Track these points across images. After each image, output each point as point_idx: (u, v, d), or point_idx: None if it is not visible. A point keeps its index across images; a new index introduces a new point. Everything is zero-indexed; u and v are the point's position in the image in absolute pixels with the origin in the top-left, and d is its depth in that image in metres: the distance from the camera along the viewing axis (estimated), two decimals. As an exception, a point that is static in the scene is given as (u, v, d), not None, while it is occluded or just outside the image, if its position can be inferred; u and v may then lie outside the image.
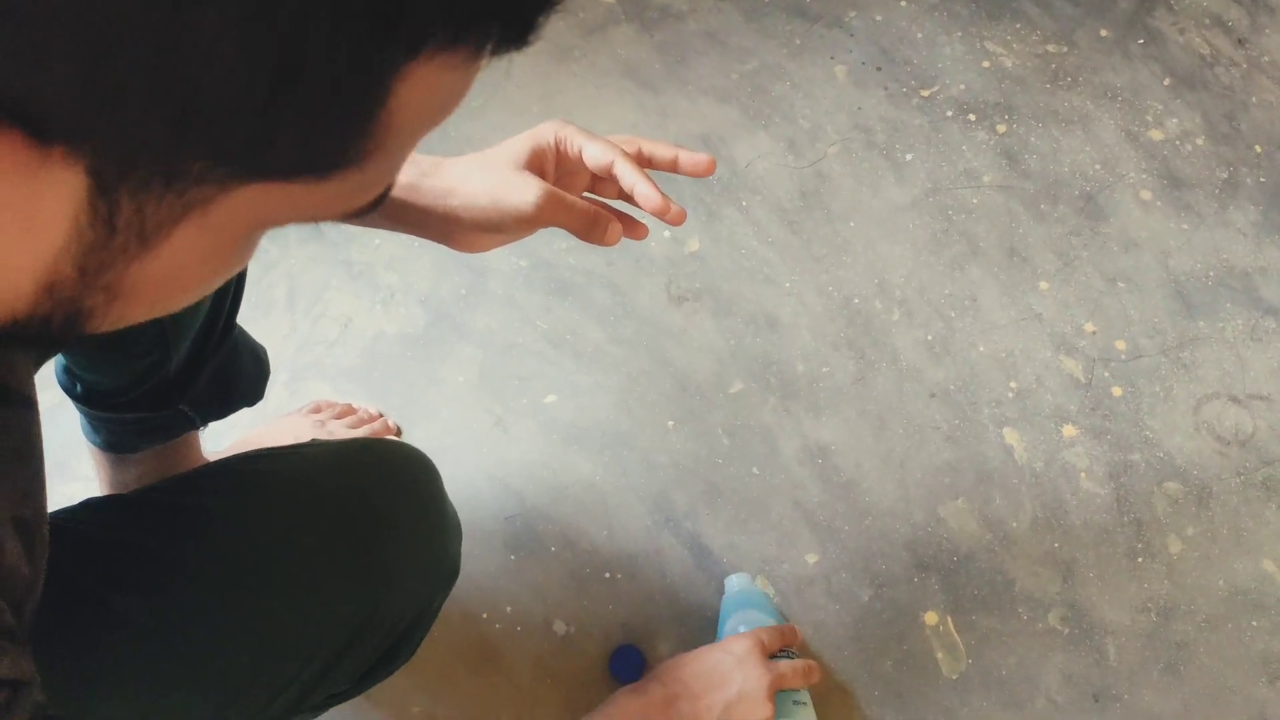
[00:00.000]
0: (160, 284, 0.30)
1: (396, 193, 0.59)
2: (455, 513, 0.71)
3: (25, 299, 0.28)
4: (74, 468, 1.06)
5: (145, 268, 0.28)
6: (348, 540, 0.61)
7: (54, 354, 0.66)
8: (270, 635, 0.59)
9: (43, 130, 0.23)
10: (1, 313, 0.28)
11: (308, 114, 0.25)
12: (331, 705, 0.69)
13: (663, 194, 0.61)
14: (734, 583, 1.00)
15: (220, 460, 0.67)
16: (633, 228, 0.66)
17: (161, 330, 0.73)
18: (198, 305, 0.74)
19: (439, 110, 0.29)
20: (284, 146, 0.26)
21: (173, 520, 0.61)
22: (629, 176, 0.61)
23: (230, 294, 0.77)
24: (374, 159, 0.28)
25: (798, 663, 0.88)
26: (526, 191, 0.59)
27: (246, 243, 0.31)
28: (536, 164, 0.61)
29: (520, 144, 0.61)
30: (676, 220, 0.62)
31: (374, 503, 0.63)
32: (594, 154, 0.61)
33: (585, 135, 0.62)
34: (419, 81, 0.27)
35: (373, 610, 0.63)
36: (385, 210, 0.59)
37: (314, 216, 0.31)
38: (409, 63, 0.26)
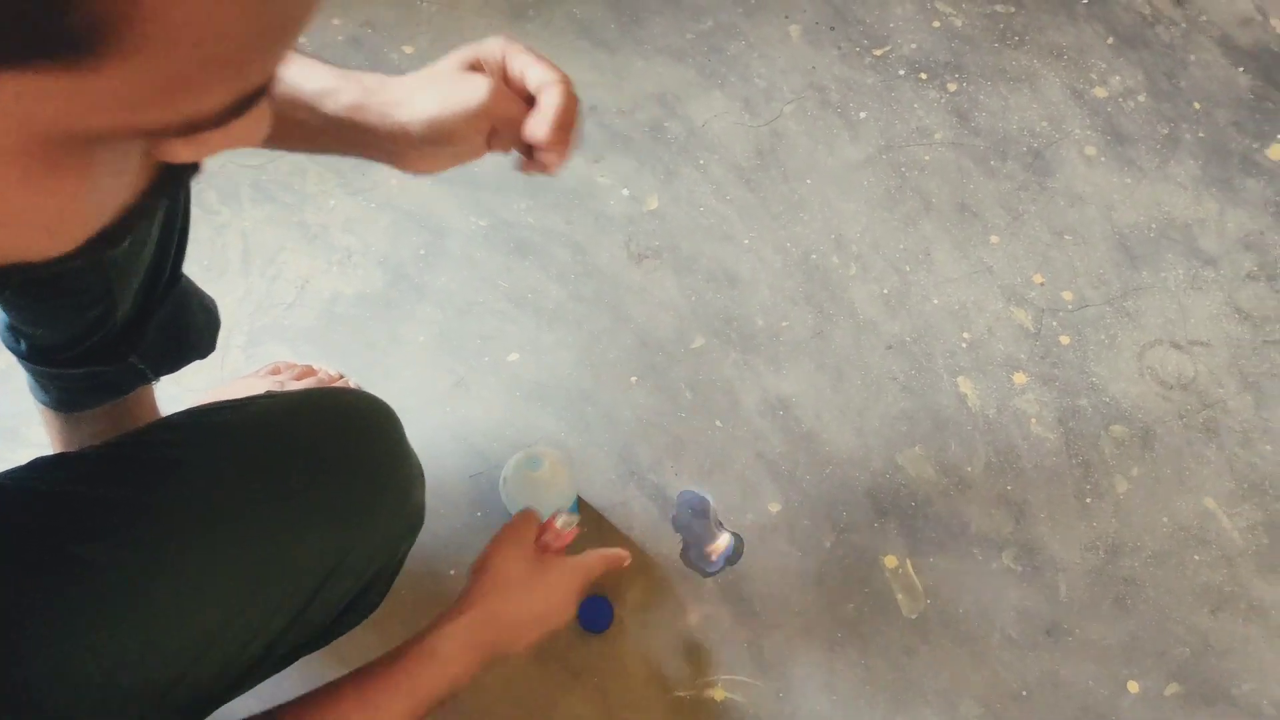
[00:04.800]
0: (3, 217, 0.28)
1: (342, 112, 0.58)
2: (418, 459, 0.71)
3: None
4: (24, 435, 1.04)
5: None
6: (314, 486, 0.61)
7: None
8: (239, 582, 0.59)
9: None
10: None
11: None
12: (300, 656, 0.69)
13: (562, 141, 0.59)
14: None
15: (180, 412, 0.66)
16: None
17: (106, 281, 0.71)
18: (140, 254, 0.72)
19: None
20: None
21: (137, 470, 0.60)
22: (551, 104, 0.58)
23: (175, 242, 0.75)
24: (137, 48, 0.24)
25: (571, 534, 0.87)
26: (475, 86, 0.57)
27: (69, 157, 0.28)
28: (480, 70, 0.60)
29: (464, 53, 0.59)
30: (544, 166, 0.60)
31: (338, 448, 0.63)
32: (538, 76, 0.59)
33: (532, 56, 0.60)
34: None
35: (341, 556, 0.63)
36: (330, 131, 0.58)
37: (124, 123, 0.27)
38: None
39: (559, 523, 0.82)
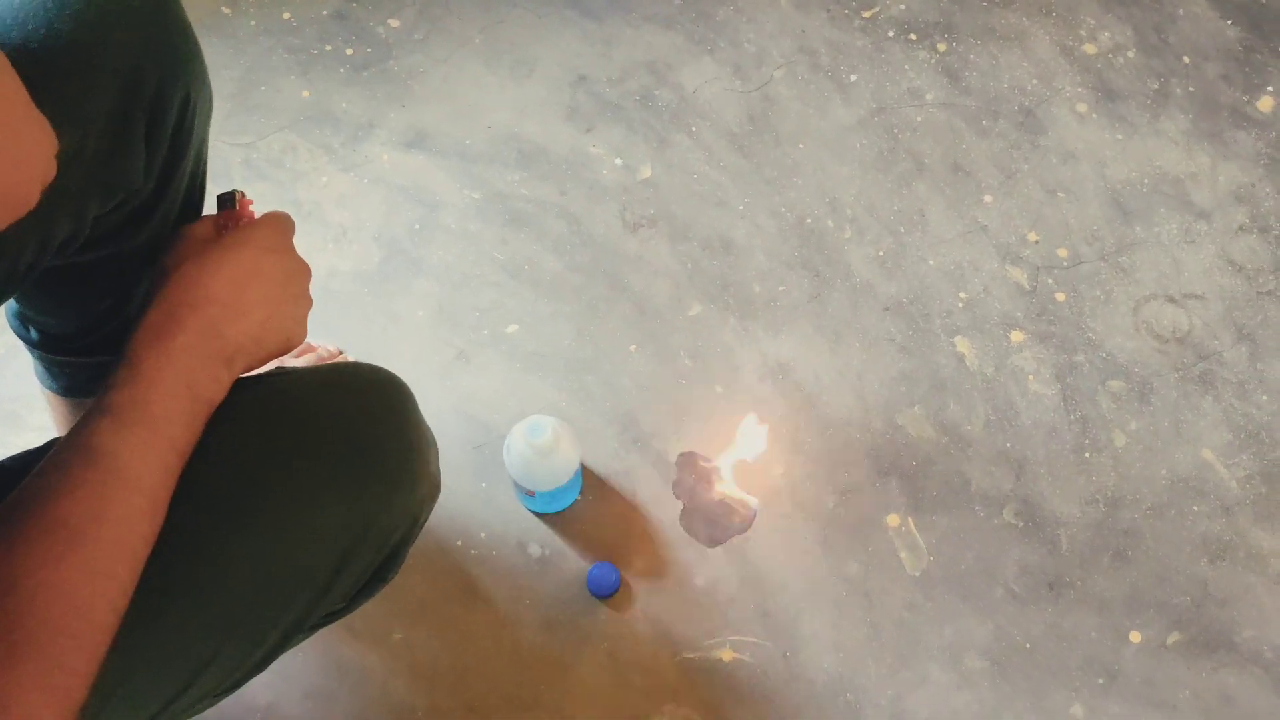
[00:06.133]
0: None
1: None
2: (430, 429, 0.72)
3: None
4: (26, 419, 1.04)
5: None
6: (337, 459, 0.61)
7: None
8: (268, 558, 0.59)
9: None
10: None
11: None
12: (326, 624, 0.69)
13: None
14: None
15: None
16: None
17: (119, 272, 0.71)
18: (154, 244, 0.72)
19: None
20: None
21: None
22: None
23: None
24: None
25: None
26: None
27: None
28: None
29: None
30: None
31: (357, 421, 0.63)
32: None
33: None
34: None
35: (364, 528, 0.63)
36: None
37: None
38: None
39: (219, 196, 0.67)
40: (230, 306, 0.60)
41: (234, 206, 0.66)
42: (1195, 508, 1.09)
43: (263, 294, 0.61)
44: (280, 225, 0.66)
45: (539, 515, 1.04)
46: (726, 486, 1.05)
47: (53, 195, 0.45)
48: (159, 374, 0.56)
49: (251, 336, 0.61)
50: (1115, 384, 1.15)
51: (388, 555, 0.67)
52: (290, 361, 1.03)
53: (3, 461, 0.63)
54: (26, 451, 0.63)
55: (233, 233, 0.64)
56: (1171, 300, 1.21)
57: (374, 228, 1.18)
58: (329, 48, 1.30)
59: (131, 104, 0.60)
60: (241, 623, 0.59)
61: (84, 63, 0.56)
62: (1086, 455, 1.11)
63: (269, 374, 0.66)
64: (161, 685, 0.57)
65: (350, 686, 0.96)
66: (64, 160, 0.46)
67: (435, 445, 0.71)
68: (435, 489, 0.70)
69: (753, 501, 1.05)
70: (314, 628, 0.67)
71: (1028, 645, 1.01)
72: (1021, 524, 1.07)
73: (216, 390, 0.59)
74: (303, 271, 0.66)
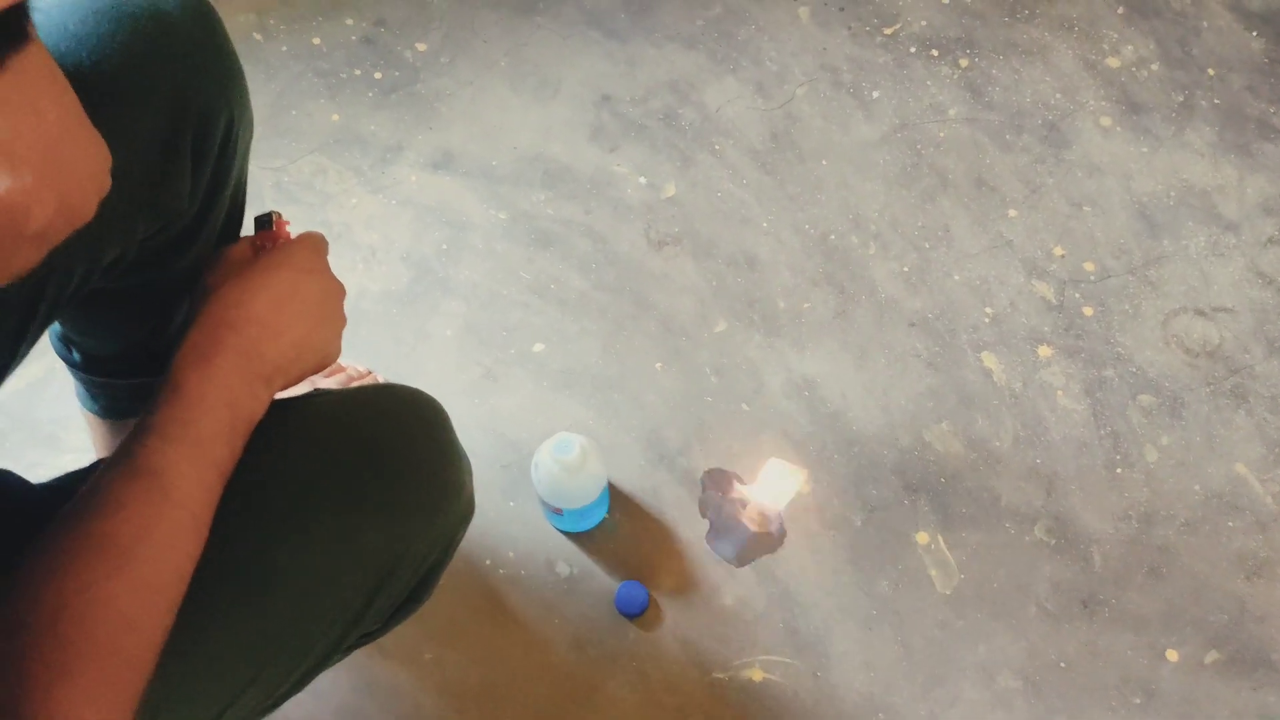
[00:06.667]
0: None
1: None
2: (465, 451, 0.72)
3: None
4: (64, 441, 1.05)
5: None
6: (377, 483, 0.61)
7: None
8: (310, 581, 0.59)
9: None
10: None
11: None
12: (361, 645, 0.70)
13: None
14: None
15: None
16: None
17: (162, 295, 0.73)
18: (197, 267, 0.73)
19: None
20: None
21: None
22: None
23: None
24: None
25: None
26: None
27: None
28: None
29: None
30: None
31: (398, 446, 0.63)
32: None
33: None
34: None
35: (402, 551, 0.63)
36: None
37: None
38: None
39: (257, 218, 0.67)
40: (269, 326, 0.60)
41: (271, 228, 0.67)
42: (1230, 523, 1.08)
43: (300, 313, 0.62)
44: (316, 246, 0.67)
45: (567, 534, 1.04)
46: (754, 508, 1.05)
47: (102, 215, 0.46)
48: (201, 393, 0.56)
49: (289, 355, 0.61)
50: (1146, 398, 1.14)
51: (423, 577, 0.68)
52: (322, 382, 1.04)
53: (49, 483, 0.64)
54: (72, 472, 0.64)
55: (270, 253, 0.64)
56: (1201, 314, 1.20)
57: (402, 248, 1.20)
58: (358, 72, 1.32)
59: (179, 126, 0.61)
60: (282, 644, 0.60)
61: (134, 85, 0.58)
62: (1118, 470, 1.10)
63: (307, 395, 0.67)
64: (205, 705, 0.57)
65: (380, 704, 0.96)
66: (114, 179, 0.47)
67: (470, 468, 0.72)
68: (470, 511, 0.71)
69: (778, 518, 1.04)
70: (350, 648, 0.67)
71: (1062, 664, 1.00)
72: (1053, 541, 1.06)
73: (256, 408, 0.59)
74: (338, 291, 0.67)
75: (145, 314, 0.74)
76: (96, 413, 0.85)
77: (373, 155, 1.26)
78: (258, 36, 1.34)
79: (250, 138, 0.70)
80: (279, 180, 1.23)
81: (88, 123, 0.45)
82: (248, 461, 0.58)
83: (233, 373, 0.58)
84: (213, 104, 0.62)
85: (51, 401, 1.07)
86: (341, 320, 0.67)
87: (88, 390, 0.83)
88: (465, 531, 0.71)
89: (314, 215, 1.21)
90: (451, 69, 1.33)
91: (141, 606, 0.49)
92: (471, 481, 0.71)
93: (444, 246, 1.20)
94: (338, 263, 1.19)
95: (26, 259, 0.43)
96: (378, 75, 1.32)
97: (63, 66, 0.44)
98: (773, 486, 1.04)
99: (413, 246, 1.20)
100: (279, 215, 0.68)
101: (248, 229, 0.70)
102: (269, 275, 0.62)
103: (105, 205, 0.47)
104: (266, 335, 0.60)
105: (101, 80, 0.56)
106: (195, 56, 0.61)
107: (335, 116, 1.28)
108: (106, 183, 0.46)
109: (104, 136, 0.46)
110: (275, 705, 0.64)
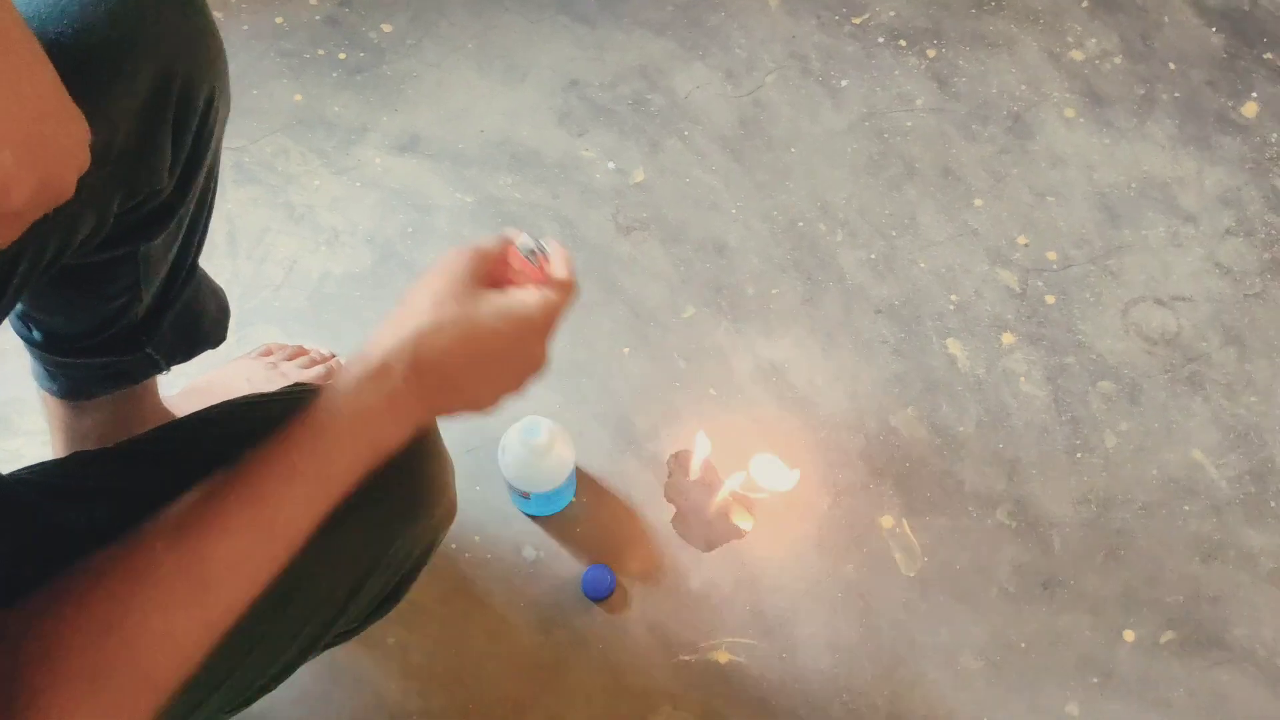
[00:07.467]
0: None
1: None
2: (447, 450, 0.71)
3: None
4: (16, 423, 1.03)
5: None
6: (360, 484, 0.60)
7: None
8: (288, 579, 0.58)
9: None
10: None
11: None
12: (337, 644, 0.69)
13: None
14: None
15: (217, 406, 0.64)
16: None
17: (134, 272, 0.71)
18: (171, 245, 0.72)
19: None
20: None
21: (188, 470, 0.59)
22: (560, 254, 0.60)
23: (198, 233, 0.75)
24: None
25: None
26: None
27: None
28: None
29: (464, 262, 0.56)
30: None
31: None
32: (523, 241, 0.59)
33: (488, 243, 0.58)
34: None
35: (383, 552, 0.63)
36: None
37: None
38: None
39: (519, 243, 0.60)
40: (454, 384, 0.54)
41: (536, 262, 0.59)
42: (1186, 508, 1.10)
43: (491, 378, 0.55)
44: (565, 307, 0.58)
45: (533, 518, 1.04)
46: (724, 493, 1.05)
47: (79, 190, 0.45)
48: (352, 436, 0.51)
49: (449, 406, 0.56)
50: (1105, 385, 1.16)
51: (402, 577, 0.67)
52: (282, 366, 1.03)
53: (17, 473, 0.62)
54: (44, 463, 0.62)
55: (519, 295, 0.56)
56: (1160, 303, 1.22)
57: (367, 231, 1.18)
58: (321, 52, 1.30)
59: (161, 102, 0.59)
60: (258, 643, 0.59)
61: (116, 59, 0.56)
62: (1078, 456, 1.12)
63: (292, 389, 0.66)
64: (177, 702, 0.56)
65: (344, 690, 0.95)
66: (94, 154, 0.46)
67: (453, 469, 0.71)
68: (452, 513, 0.70)
69: (748, 522, 1.05)
70: (326, 646, 0.67)
71: (1023, 645, 1.01)
72: (1015, 524, 1.07)
73: (394, 446, 0.54)
74: (541, 367, 0.58)
75: (115, 291, 0.72)
76: (55, 394, 0.82)
77: (337, 137, 1.24)
78: (219, 14, 1.31)
79: (228, 113, 0.69)
80: (239, 160, 1.21)
81: (68, 98, 0.44)
82: (225, 459, 0.57)
83: (390, 420, 0.52)
84: (195, 77, 0.61)
85: (4, 382, 1.05)
86: (519, 390, 0.58)
87: (46, 370, 0.81)
88: (446, 533, 0.70)
89: (276, 197, 1.19)
90: (418, 51, 1.31)
91: (199, 644, 0.46)
92: (454, 481, 0.70)
93: (409, 229, 1.19)
94: (300, 244, 1.18)
95: (3, 237, 0.42)
96: (342, 56, 1.30)
97: (43, 39, 0.43)
98: (763, 480, 1.04)
99: (377, 229, 1.18)
100: (549, 248, 0.60)
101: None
102: (497, 334, 0.54)
103: (83, 179, 0.45)
104: (445, 392, 0.54)
105: (83, 53, 0.55)
106: (178, 30, 0.59)
107: (298, 97, 1.27)
108: (86, 159, 0.45)
109: (85, 111, 0.45)
110: (248, 703, 0.64)
